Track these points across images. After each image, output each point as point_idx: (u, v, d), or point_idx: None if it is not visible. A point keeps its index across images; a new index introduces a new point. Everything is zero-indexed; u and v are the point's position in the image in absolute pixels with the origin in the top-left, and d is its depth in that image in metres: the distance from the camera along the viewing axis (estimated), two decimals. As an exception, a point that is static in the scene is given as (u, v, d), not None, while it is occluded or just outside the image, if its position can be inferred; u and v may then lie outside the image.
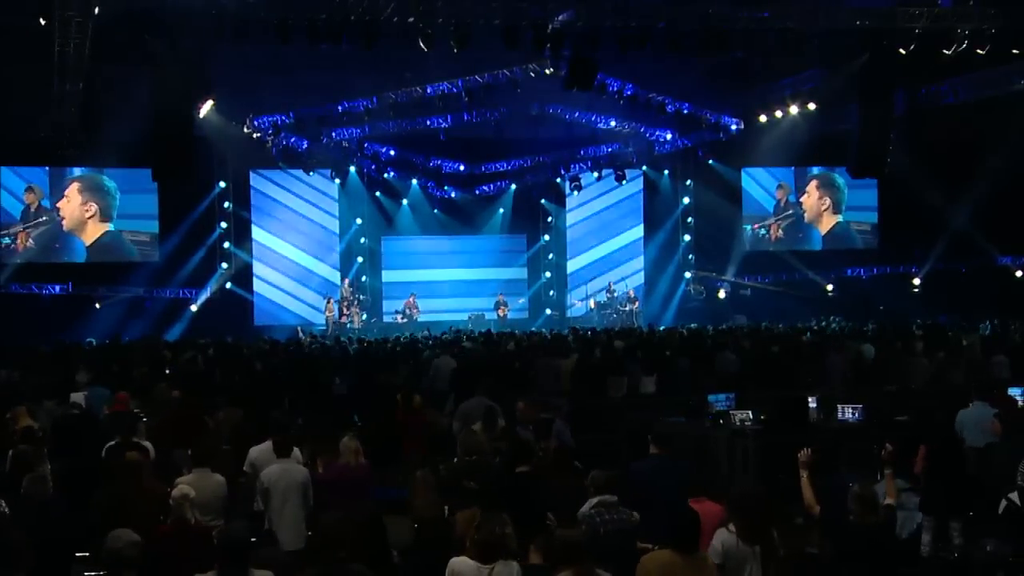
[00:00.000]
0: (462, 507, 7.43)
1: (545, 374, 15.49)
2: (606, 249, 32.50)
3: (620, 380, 15.15)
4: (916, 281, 30.58)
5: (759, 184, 32.80)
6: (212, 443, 8.54)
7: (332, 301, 28.49)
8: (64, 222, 27.75)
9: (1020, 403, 11.65)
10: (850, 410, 11.45)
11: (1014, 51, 21.52)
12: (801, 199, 32.68)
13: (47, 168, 27.61)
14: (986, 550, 7.79)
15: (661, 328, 24.78)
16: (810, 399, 11.79)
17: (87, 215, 27.89)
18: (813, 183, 32.62)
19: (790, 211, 32.71)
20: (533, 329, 26.63)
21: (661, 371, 15.57)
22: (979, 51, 20.66)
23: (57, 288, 26.74)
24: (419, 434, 10.54)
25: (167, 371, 15.50)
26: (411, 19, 19.02)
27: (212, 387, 13.23)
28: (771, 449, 10.35)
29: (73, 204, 27.82)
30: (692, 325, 26.12)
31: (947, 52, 20.86)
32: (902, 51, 20.80)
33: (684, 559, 6.10)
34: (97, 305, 27.05)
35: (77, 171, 27.82)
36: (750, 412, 11.64)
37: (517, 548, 6.02)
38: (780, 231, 32.68)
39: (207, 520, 7.50)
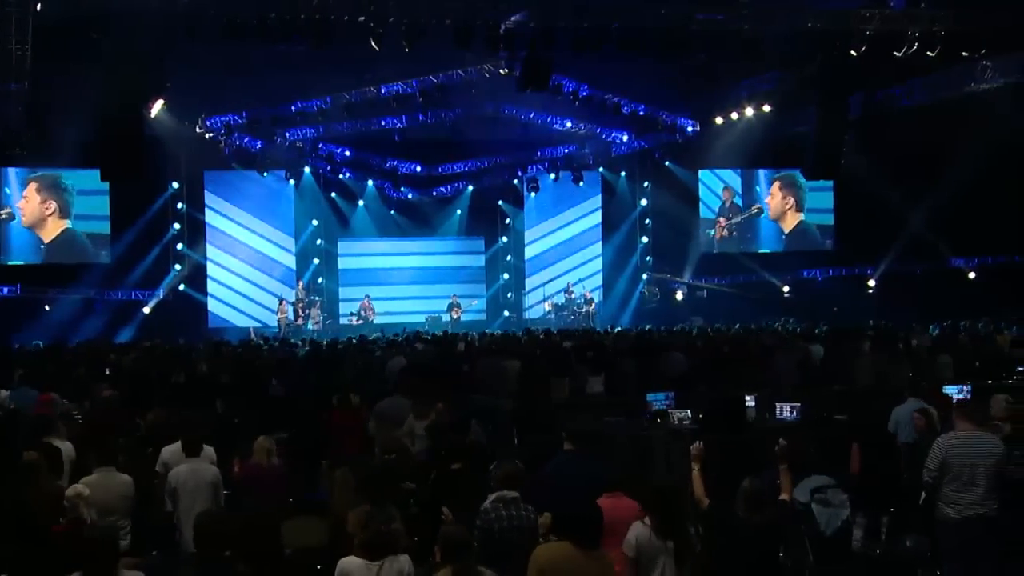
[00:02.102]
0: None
1: (490, 375, 15.39)
2: (564, 251, 32.47)
3: (562, 381, 15.06)
4: (871, 283, 30.76)
5: (716, 186, 32.88)
6: (123, 443, 8.33)
7: (285, 303, 28.26)
8: (24, 220, 27.41)
9: (955, 401, 11.66)
10: (788, 409, 11.44)
11: (963, 53, 21.73)
12: (766, 200, 32.83)
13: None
14: (906, 545, 7.79)
15: (616, 329, 24.75)
16: (748, 398, 11.75)
17: (47, 213, 27.61)
18: (776, 184, 32.78)
19: (737, 213, 32.81)
20: (488, 331, 26.51)
21: (608, 371, 15.50)
22: (929, 53, 20.79)
23: (5, 290, 26.31)
24: (355, 434, 10.42)
25: (107, 372, 15.29)
26: (362, 18, 18.86)
27: (150, 388, 13.01)
28: (707, 448, 10.27)
29: (32, 203, 27.53)
30: (647, 327, 26.12)
31: (898, 54, 20.97)
32: (853, 53, 20.90)
33: (581, 553, 6.00)
34: (47, 307, 26.65)
35: (12, 171, 27.38)
36: (688, 411, 11.60)
37: (408, 543, 5.92)
38: (726, 231, 32.76)
39: (113, 520, 7.35)
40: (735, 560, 6.81)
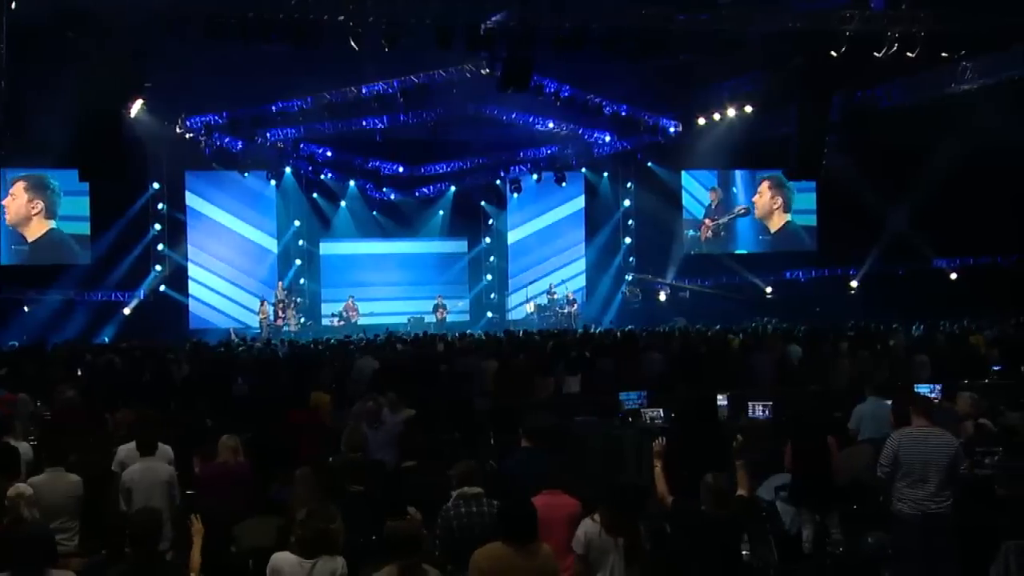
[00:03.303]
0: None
1: (468, 374, 15.34)
2: (547, 252, 32.41)
3: (547, 380, 15.02)
4: (854, 284, 30.81)
5: (696, 188, 32.85)
6: (72, 442, 8.25)
7: (266, 304, 28.15)
8: (8, 218, 27.23)
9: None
10: (760, 408, 11.43)
11: (944, 54, 21.74)
12: (753, 199, 32.82)
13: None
14: (867, 542, 7.75)
15: (597, 330, 24.72)
16: (720, 397, 11.72)
17: (33, 212, 27.45)
18: (765, 183, 32.75)
19: (723, 214, 32.79)
20: (469, 331, 26.44)
21: (585, 371, 15.45)
22: (909, 54, 20.77)
23: (-17, 291, 26.16)
24: (314, 434, 10.35)
25: (79, 372, 15.19)
26: (342, 18, 18.78)
27: (119, 388, 12.92)
28: (676, 446, 10.22)
29: (19, 202, 27.38)
30: (629, 327, 26.08)
31: (879, 55, 20.96)
32: (833, 53, 20.90)
33: (515, 550, 5.97)
34: (26, 308, 26.47)
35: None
36: (661, 410, 11.59)
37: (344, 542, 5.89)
38: (711, 232, 32.75)
39: (60, 521, 7.28)
40: (697, 555, 6.79)
